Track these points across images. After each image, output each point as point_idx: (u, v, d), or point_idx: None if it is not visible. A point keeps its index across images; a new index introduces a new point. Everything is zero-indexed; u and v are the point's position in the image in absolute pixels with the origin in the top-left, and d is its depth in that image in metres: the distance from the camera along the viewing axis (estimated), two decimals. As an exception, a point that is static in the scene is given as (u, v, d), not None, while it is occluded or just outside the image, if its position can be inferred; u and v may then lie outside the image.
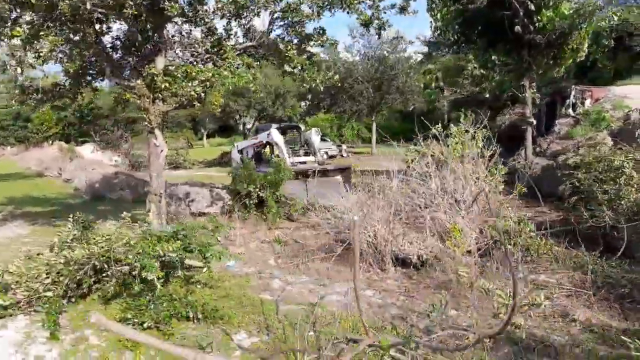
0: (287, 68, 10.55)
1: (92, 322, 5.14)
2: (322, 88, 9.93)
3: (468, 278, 5.79)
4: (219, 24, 10.65)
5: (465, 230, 7.80)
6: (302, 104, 53.71)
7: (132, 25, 9.79)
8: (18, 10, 8.45)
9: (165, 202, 9.87)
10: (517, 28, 16.78)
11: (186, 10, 9.56)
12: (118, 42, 10.27)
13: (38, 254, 6.76)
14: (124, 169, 24.15)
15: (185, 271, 6.70)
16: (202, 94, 9.32)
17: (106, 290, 5.99)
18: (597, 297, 6.40)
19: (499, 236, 7.74)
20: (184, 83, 8.81)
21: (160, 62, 9.40)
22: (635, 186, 8.43)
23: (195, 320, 5.61)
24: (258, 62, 10.18)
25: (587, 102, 20.57)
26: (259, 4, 9.43)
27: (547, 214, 11.66)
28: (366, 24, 9.39)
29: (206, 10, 9.98)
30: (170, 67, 9.35)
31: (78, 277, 5.88)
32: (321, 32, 9.99)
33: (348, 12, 9.60)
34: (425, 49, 53.24)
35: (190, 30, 10.81)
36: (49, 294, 5.67)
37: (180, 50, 10.62)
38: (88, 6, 7.92)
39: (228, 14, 10.03)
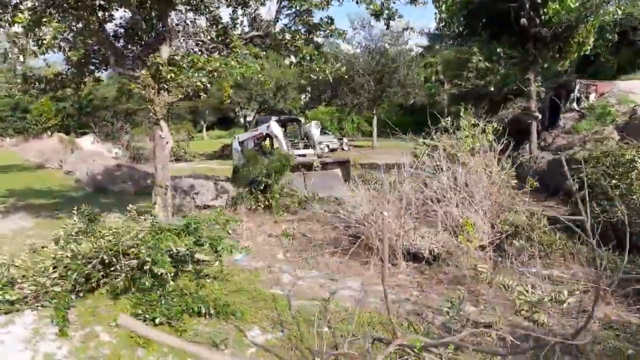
0: (293, 59, 10.37)
1: (119, 323, 4.97)
2: (331, 78, 9.75)
3: (486, 274, 5.66)
4: (224, 14, 10.48)
5: (478, 225, 7.67)
6: (303, 96, 53.37)
7: (135, 12, 9.58)
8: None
9: (171, 194, 9.71)
10: (523, 20, 16.57)
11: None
12: (121, 30, 10.06)
13: (43, 247, 6.63)
14: (125, 161, 23.92)
15: (195, 265, 6.57)
16: (208, 85, 9.12)
17: (115, 285, 5.83)
18: (615, 293, 6.29)
19: (513, 230, 7.62)
20: (190, 73, 8.60)
21: (165, 52, 9.19)
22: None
23: (207, 316, 5.47)
24: (265, 52, 9.98)
25: (592, 97, 20.39)
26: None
27: (554, 209, 11.57)
28: (377, 14, 9.18)
29: (211, -3, 9.78)
30: (175, 57, 9.15)
31: (86, 272, 5.72)
32: (329, 21, 9.78)
33: (357, 2, 9.41)
34: (426, 42, 53.03)
35: (195, 19, 10.61)
36: (57, 288, 5.51)
37: (184, 40, 10.42)
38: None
39: (234, 2, 9.83)
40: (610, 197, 8.53)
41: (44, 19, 7.91)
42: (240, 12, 10.28)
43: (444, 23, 19.09)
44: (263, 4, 10.29)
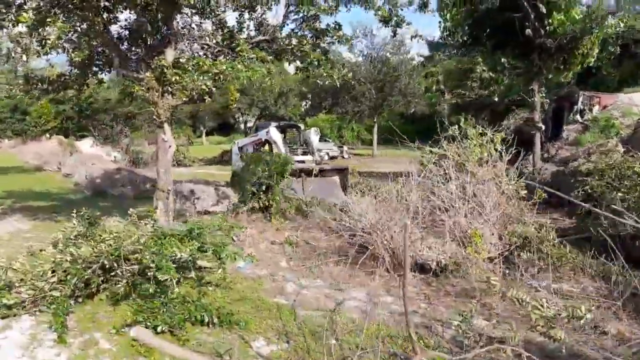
0: (299, 63, 10.27)
1: (132, 336, 4.77)
2: (338, 84, 9.64)
3: (498, 286, 5.50)
4: (230, 18, 10.39)
5: (486, 236, 7.53)
6: (304, 103, 53.38)
7: (141, 15, 9.47)
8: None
9: (173, 199, 9.55)
10: (528, 31, 16.52)
11: (196, 1, 9.24)
12: (126, 32, 9.95)
13: (41, 250, 6.46)
14: (124, 164, 23.74)
15: (197, 272, 6.39)
16: (213, 89, 9.00)
17: (115, 291, 5.65)
18: (626, 309, 6.13)
19: (522, 242, 7.48)
20: (195, 76, 8.49)
21: (169, 55, 9.08)
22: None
23: (210, 325, 5.29)
24: (271, 57, 9.87)
25: (595, 109, 20.38)
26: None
27: (560, 221, 11.42)
28: (385, 21, 9.09)
29: (217, 2, 9.68)
30: (180, 60, 9.04)
31: (86, 276, 5.54)
32: (337, 27, 9.70)
33: (365, 8, 9.33)
34: (427, 52, 53.08)
35: (200, 22, 10.52)
36: (56, 293, 5.33)
37: (189, 43, 10.32)
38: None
39: (241, 6, 9.74)
40: (618, 210, 8.41)
41: (49, 19, 7.80)
42: (246, 16, 10.19)
43: (448, 32, 19.07)
44: (270, 9, 10.22)
